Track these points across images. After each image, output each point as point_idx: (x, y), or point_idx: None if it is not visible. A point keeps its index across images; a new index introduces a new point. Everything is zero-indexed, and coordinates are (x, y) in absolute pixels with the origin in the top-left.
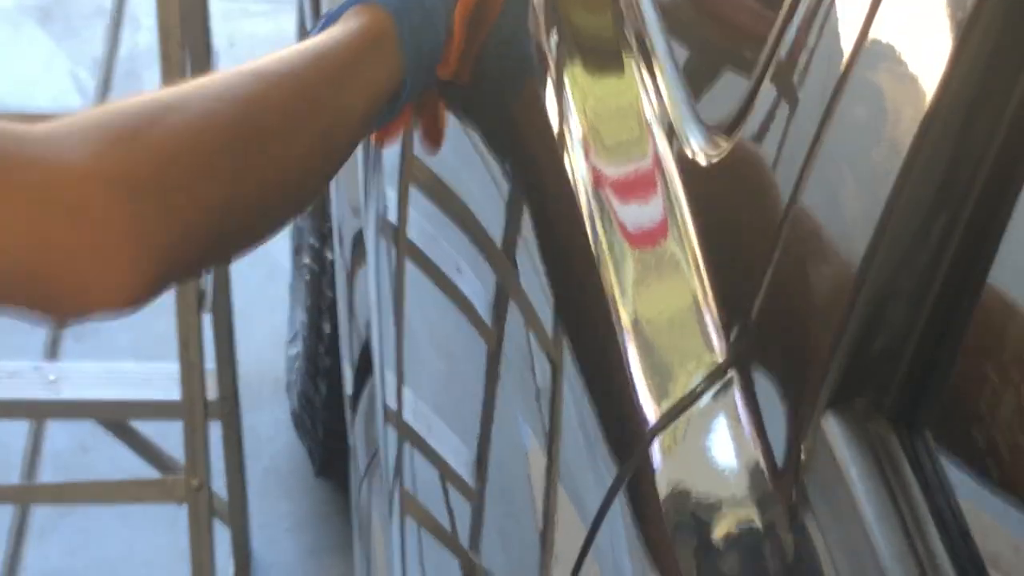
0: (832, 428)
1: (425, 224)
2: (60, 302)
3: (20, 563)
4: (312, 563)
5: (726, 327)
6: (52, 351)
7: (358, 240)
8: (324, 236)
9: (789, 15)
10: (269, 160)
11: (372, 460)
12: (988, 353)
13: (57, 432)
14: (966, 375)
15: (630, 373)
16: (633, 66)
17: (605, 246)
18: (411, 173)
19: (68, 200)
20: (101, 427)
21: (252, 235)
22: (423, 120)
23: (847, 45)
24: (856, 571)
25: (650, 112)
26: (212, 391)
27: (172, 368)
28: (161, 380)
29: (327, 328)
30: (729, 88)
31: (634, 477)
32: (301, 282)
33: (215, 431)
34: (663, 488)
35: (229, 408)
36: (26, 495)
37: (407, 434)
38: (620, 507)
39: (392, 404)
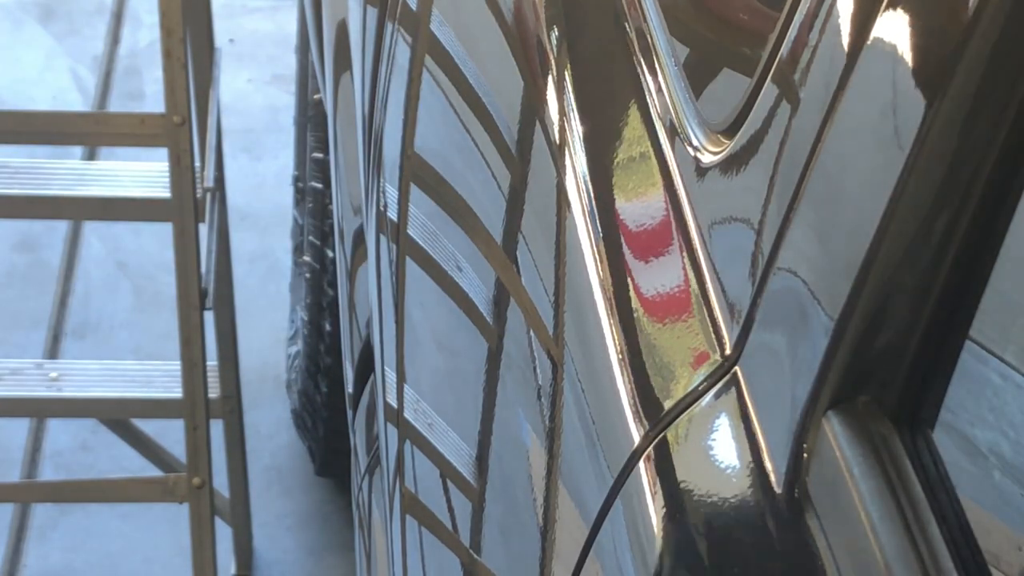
0: (834, 427)
1: (426, 222)
2: None
3: (20, 561)
4: (312, 561)
5: (728, 326)
6: (53, 349)
7: (359, 238)
8: (325, 234)
9: (791, 13)
10: None
11: (373, 459)
12: (991, 351)
13: (58, 430)
14: (969, 374)
15: (631, 372)
16: (634, 63)
17: (606, 244)
18: (412, 171)
19: None
20: (102, 425)
21: None
22: None
23: (849, 43)
24: (858, 571)
25: (651, 110)
26: (214, 389)
27: (173, 366)
28: (162, 378)
29: (327, 326)
30: (731, 86)
31: (636, 476)
32: (301, 280)
33: (216, 429)
34: (664, 487)
35: (231, 406)
36: (27, 493)
37: (408, 432)
38: (622, 506)
39: (393, 402)
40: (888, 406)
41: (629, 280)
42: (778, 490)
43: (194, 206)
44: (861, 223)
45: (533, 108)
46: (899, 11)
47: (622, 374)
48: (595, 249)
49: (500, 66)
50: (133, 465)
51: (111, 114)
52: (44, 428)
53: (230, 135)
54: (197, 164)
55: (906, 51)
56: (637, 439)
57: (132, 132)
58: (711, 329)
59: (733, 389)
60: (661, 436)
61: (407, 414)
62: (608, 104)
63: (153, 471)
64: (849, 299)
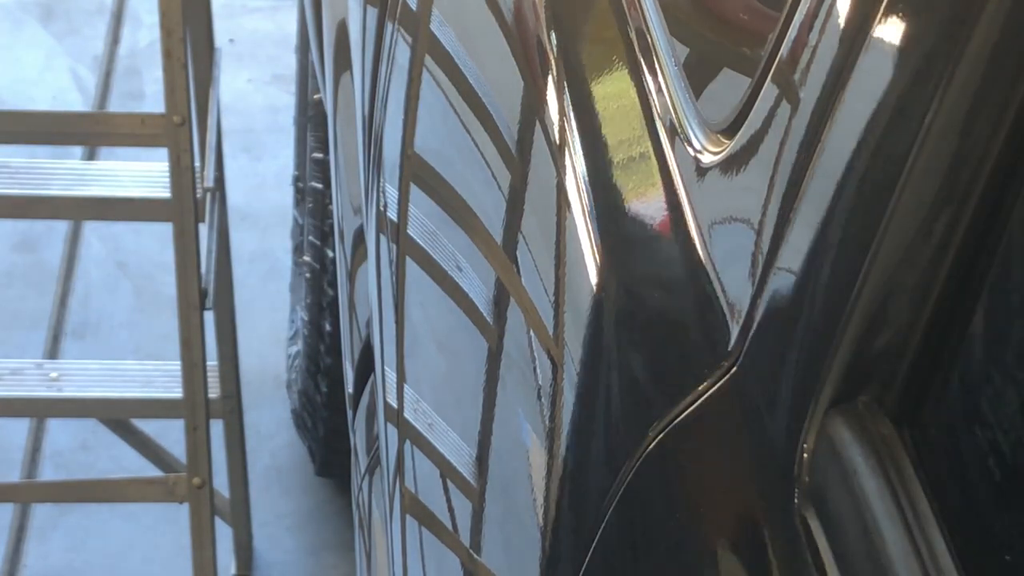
0: (835, 427)
1: (426, 222)
2: None
3: (21, 561)
4: (312, 561)
5: (727, 326)
6: (53, 349)
7: (359, 238)
8: (325, 234)
9: (791, 13)
10: None
11: (373, 459)
12: (992, 351)
13: (58, 430)
14: (969, 373)
15: (631, 372)
16: (635, 64)
17: (606, 244)
18: (412, 171)
19: None
20: (102, 425)
21: None
22: None
23: (849, 43)
24: (858, 571)
25: (652, 110)
26: (214, 389)
27: (174, 366)
28: (162, 378)
29: (328, 326)
30: (731, 86)
31: (636, 476)
32: (301, 280)
33: (216, 429)
34: (665, 487)
35: (231, 406)
36: (27, 493)
37: (408, 432)
38: (622, 506)
39: (393, 402)
40: (888, 406)
41: (629, 279)
42: (778, 490)
43: (194, 206)
44: (861, 223)
45: (533, 108)
46: (899, 11)
47: (622, 375)
48: (595, 249)
49: (500, 66)
50: (133, 465)
51: (111, 114)
52: (44, 428)
53: (230, 135)
54: (197, 164)
55: (906, 51)
56: (637, 439)
57: (132, 132)
58: (711, 329)
59: (733, 389)
60: (661, 436)
61: (407, 414)
62: (608, 104)
63: (153, 471)
64: (849, 299)
